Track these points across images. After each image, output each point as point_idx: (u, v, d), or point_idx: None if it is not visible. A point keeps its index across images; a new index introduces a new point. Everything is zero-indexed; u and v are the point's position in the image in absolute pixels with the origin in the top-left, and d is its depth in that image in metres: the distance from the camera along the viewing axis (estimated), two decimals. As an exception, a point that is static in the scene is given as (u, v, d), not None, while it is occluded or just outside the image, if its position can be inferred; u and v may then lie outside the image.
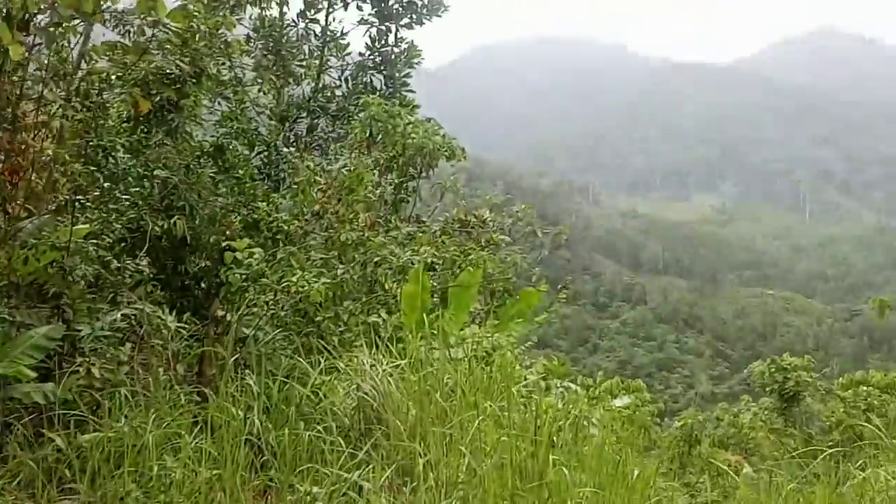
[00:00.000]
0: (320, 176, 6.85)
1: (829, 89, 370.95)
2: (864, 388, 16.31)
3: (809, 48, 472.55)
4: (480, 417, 4.12)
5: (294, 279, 5.67)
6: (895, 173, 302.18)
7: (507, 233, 10.48)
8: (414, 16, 13.36)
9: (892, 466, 4.93)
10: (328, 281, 5.68)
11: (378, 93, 12.93)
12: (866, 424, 15.26)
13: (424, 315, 7.93)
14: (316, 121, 12.09)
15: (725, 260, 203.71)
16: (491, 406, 4.44)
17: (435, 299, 8.28)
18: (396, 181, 8.74)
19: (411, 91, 13.49)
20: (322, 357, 5.29)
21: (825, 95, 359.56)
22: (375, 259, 6.56)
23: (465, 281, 8.16)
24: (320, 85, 12.34)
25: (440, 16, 13.64)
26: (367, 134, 8.45)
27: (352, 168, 6.55)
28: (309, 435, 4.29)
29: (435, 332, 7.76)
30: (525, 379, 6.20)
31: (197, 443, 4.35)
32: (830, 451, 5.71)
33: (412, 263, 6.80)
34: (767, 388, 16.91)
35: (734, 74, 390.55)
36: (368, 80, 13.66)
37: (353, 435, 4.40)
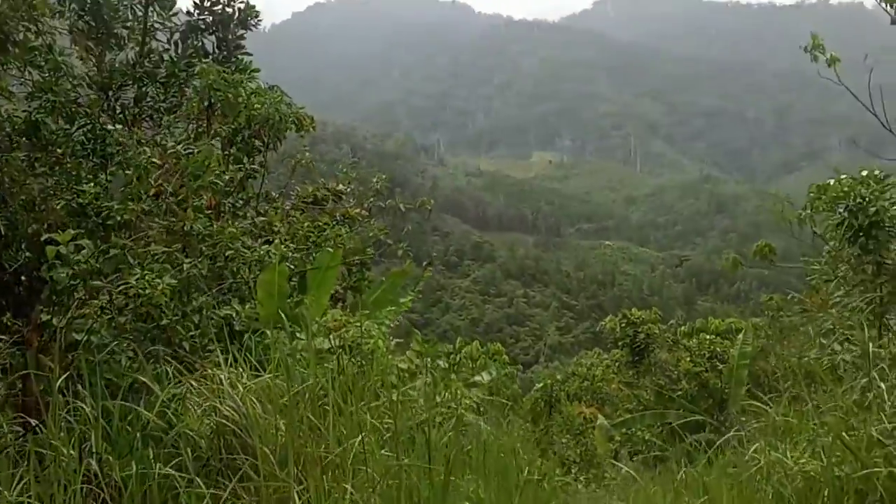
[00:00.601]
0: (156, 156, 6.04)
1: (653, 45, 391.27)
2: (707, 336, 17.19)
3: (635, 4, 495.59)
4: (362, 434, 3.65)
5: (133, 280, 4.92)
6: (715, 125, 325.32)
7: (367, 207, 9.98)
8: (245, -29, 12.26)
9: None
10: (173, 282, 4.97)
11: (211, 56, 11.89)
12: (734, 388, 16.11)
13: (283, 302, 7.35)
14: (144, 89, 10.90)
15: (566, 214, 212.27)
16: (371, 420, 3.98)
17: (293, 283, 7.70)
18: (242, 157, 8.00)
19: (248, 54, 12.46)
20: (170, 367, 4.63)
21: (650, 51, 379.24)
22: (227, 253, 5.88)
23: (323, 262, 7.61)
24: (146, 49, 11.11)
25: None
26: (206, 104, 7.62)
27: (195, 151, 5.78)
28: (159, 471, 3.64)
29: (295, 321, 7.19)
30: (398, 370, 5.79)
31: (21, 489, 3.61)
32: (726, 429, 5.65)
33: (269, 257, 6.16)
34: (619, 343, 17.49)
35: (567, 32, 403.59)
36: (200, 44, 12.50)
37: (213, 465, 3.80)
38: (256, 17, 12.77)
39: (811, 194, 9.02)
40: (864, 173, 6.89)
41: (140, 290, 4.79)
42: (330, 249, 7.68)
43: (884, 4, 8.78)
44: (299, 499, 3.31)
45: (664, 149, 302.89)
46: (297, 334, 6.76)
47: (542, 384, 17.11)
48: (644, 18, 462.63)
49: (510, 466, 4.11)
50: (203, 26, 12.56)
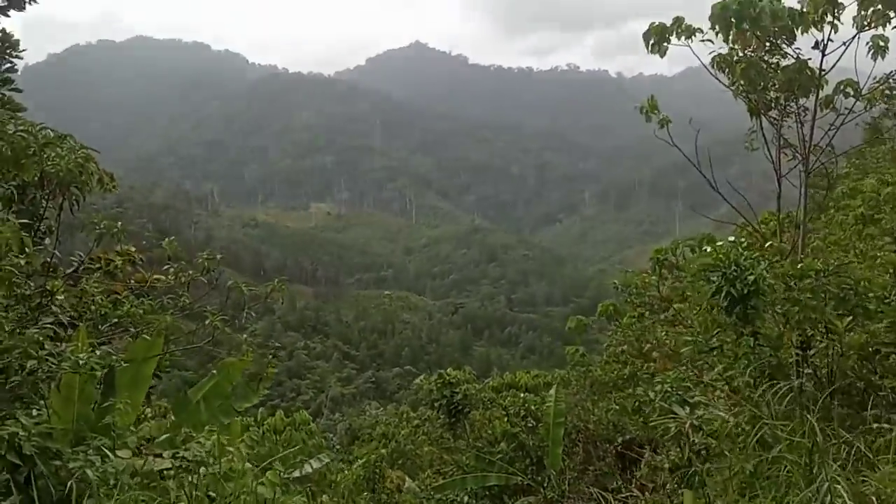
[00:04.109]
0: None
1: (422, 103, 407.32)
2: (520, 393, 17.01)
3: (406, 63, 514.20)
4: None
5: None
6: (483, 180, 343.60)
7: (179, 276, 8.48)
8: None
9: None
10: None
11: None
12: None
13: (87, 409, 5.78)
14: None
15: (345, 264, 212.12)
16: None
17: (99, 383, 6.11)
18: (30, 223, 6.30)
19: (16, 90, 10.56)
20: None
21: (420, 109, 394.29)
22: (29, 364, 4.30)
23: (139, 353, 6.13)
24: None
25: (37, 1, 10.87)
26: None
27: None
28: None
29: (104, 433, 5.68)
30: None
31: None
32: None
33: (81, 364, 4.65)
34: (436, 404, 16.80)
35: (341, 86, 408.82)
36: (-43, 78, 10.40)
37: None
38: (15, 47, 10.89)
39: (655, 257, 8.95)
40: (731, 239, 6.76)
41: None
42: (147, 336, 6.20)
43: (715, 70, 9.07)
44: None
45: (438, 201, 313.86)
46: (112, 452, 5.26)
47: (364, 460, 15.93)
48: (414, 77, 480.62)
49: None
50: (-42, 58, 10.50)
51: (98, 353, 4.67)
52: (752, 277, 6.12)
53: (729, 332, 6.44)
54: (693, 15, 9.66)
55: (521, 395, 16.84)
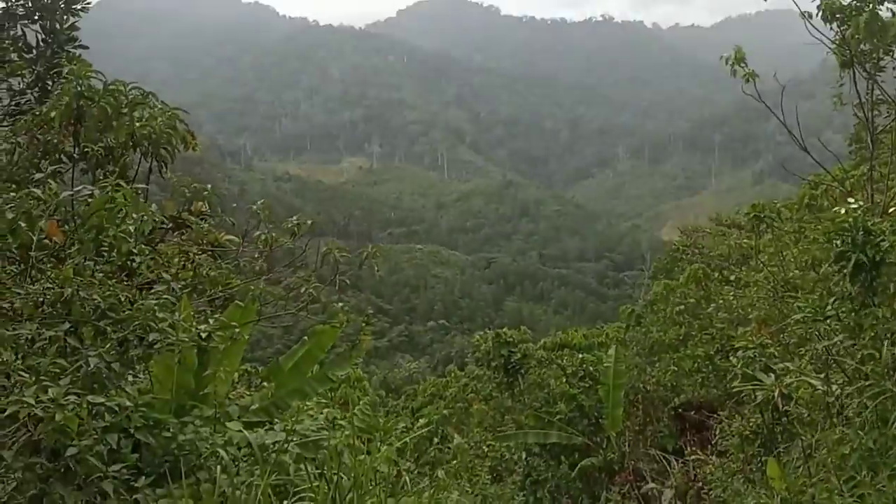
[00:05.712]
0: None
1: (455, 55, 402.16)
2: (579, 355, 16.79)
3: (437, 14, 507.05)
4: None
5: (31, 399, 3.14)
6: (515, 133, 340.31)
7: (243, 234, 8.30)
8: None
9: None
10: (76, 400, 3.22)
11: (36, 50, 9.86)
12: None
13: (187, 378, 5.64)
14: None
15: (377, 219, 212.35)
16: None
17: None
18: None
19: (83, 47, 10.39)
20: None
21: (452, 61, 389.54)
22: (151, 337, 4.09)
23: (235, 319, 5.94)
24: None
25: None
26: (73, 115, 5.68)
27: (95, 192, 4.00)
28: None
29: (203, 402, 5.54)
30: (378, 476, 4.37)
31: None
32: None
33: (201, 338, 4.45)
34: (493, 364, 16.65)
35: (373, 39, 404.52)
36: (20, 33, 10.29)
37: None
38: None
39: (754, 213, 8.58)
40: (851, 202, 6.37)
41: (47, 413, 3.04)
42: (240, 302, 6.02)
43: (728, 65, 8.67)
44: None
45: (470, 155, 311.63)
46: (222, 424, 5.12)
47: (426, 420, 15.91)
48: (446, 29, 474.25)
49: None
50: (22, 12, 10.31)
51: (212, 322, 4.50)
52: (885, 244, 5.76)
53: (847, 301, 6.09)
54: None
55: (579, 355, 16.64)
